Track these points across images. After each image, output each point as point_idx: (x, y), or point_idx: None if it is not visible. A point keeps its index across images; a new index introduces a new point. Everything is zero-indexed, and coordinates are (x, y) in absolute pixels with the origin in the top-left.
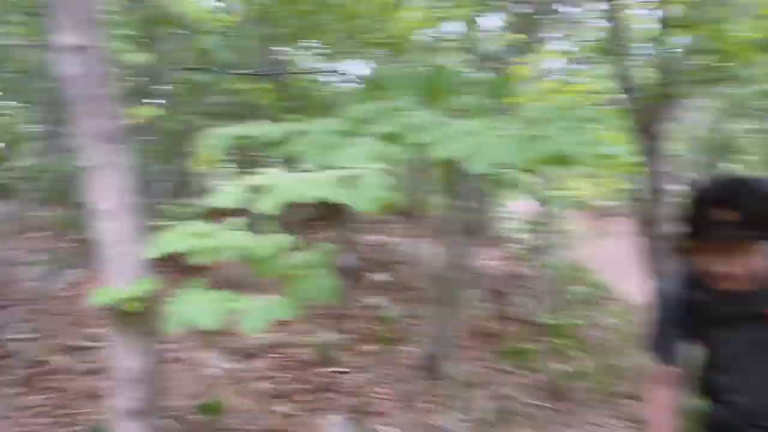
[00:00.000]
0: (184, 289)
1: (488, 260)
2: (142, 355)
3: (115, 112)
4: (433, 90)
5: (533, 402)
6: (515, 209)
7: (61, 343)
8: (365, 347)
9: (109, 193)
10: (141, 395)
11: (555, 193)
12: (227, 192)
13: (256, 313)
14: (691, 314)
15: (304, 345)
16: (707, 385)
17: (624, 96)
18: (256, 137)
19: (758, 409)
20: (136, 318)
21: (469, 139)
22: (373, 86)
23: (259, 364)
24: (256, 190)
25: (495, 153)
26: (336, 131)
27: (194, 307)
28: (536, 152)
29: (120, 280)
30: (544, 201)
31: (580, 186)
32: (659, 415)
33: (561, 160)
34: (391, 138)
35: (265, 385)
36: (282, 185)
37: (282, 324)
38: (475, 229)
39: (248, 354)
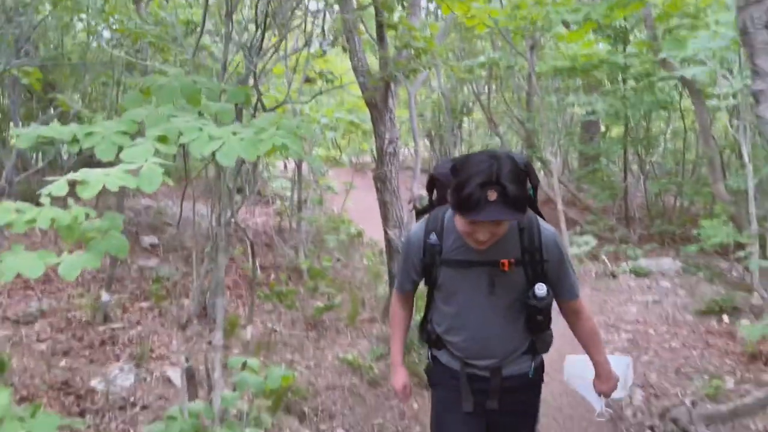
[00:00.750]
0: (9, 250)
1: (257, 217)
2: None
3: None
4: (191, 98)
5: (292, 332)
6: (282, 169)
7: None
8: (140, 305)
9: None
10: None
11: (314, 152)
12: (57, 185)
13: (68, 264)
14: (426, 255)
15: (78, 308)
16: (431, 330)
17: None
18: (55, 137)
19: (472, 348)
20: None
21: (217, 142)
22: (143, 92)
23: (35, 328)
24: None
25: (235, 151)
26: (119, 132)
27: (20, 261)
28: (263, 149)
29: None
30: (304, 160)
31: (338, 145)
32: (395, 328)
33: (279, 151)
34: (161, 139)
35: (44, 346)
36: (93, 179)
37: (54, 291)
38: (245, 189)
39: (22, 321)
